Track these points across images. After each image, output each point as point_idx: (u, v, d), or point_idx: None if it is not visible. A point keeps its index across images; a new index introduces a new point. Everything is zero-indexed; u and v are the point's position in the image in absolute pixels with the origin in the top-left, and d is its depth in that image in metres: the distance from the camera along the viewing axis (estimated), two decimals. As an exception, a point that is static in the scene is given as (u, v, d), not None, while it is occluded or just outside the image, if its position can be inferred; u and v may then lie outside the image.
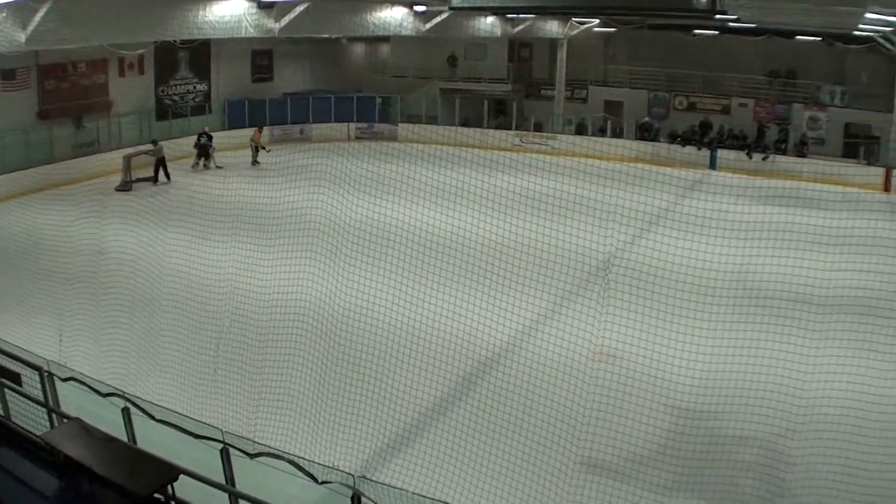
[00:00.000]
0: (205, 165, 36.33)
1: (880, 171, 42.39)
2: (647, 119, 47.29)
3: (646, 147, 43.98)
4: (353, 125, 45.79)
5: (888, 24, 38.00)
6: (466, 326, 14.90)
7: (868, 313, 16.38)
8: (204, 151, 36.51)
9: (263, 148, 37.91)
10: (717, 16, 12.07)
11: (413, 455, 12.53)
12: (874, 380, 13.85)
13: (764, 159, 43.31)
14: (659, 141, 44.87)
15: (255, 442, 9.92)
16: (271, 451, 9.51)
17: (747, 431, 13.24)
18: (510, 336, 16.51)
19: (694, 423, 13.78)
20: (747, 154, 43.99)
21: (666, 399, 13.95)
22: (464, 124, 46.30)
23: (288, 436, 12.12)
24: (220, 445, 9.34)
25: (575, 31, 47.92)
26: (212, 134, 37.46)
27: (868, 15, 34.02)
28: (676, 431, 13.63)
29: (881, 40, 44.00)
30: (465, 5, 8.27)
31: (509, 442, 12.36)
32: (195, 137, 37.06)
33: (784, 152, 44.66)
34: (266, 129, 41.43)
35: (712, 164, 44.05)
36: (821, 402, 13.36)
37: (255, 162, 37.24)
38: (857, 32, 43.61)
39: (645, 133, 45.82)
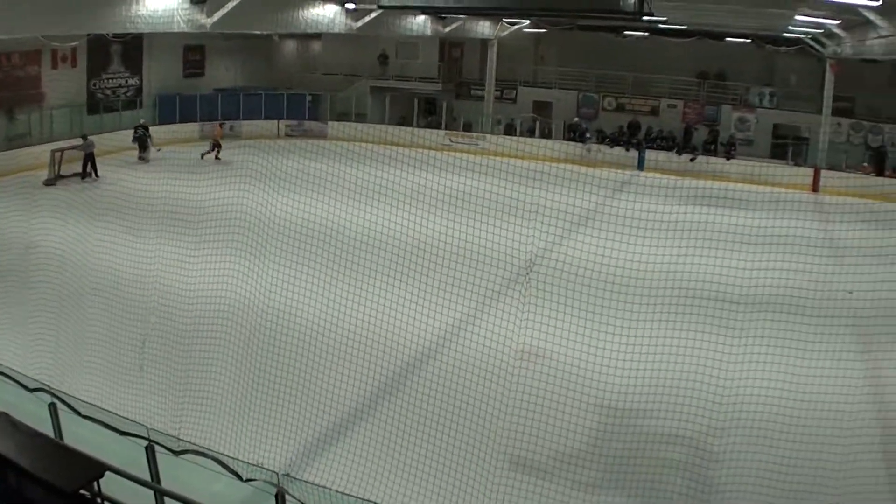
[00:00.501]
0: (141, 157, 36.55)
1: (809, 171, 43.52)
2: (575, 119, 47.97)
3: (574, 148, 44.71)
4: (282, 122, 46.04)
5: (817, 26, 38.98)
6: (393, 325, 15.15)
7: (793, 311, 16.89)
8: (142, 143, 36.81)
9: (219, 147, 37.88)
10: (646, 17, 12.41)
11: (338, 453, 12.72)
12: (797, 377, 14.38)
13: (692, 160, 44.23)
14: (584, 142, 45.50)
15: (180, 439, 10.09)
16: (196, 448, 9.69)
17: (674, 429, 13.60)
18: (437, 335, 16.77)
19: (620, 422, 14.16)
20: (676, 153, 44.96)
21: (592, 398, 14.22)
22: (400, 123, 46.70)
23: (213, 434, 12.26)
24: (146, 442, 9.51)
25: (505, 32, 48.56)
26: (148, 126, 37.72)
27: (798, 17, 34.91)
28: (603, 430, 13.96)
29: (810, 42, 45.13)
30: (395, 4, 8.45)
31: (435, 441, 12.55)
32: (130, 132, 37.33)
33: (712, 153, 45.65)
34: (208, 126, 41.62)
35: (640, 165, 44.89)
36: (746, 400, 13.86)
37: (216, 157, 37.18)
38: (786, 34, 44.70)
39: (573, 134, 46.46)
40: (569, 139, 46.29)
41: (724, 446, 13.19)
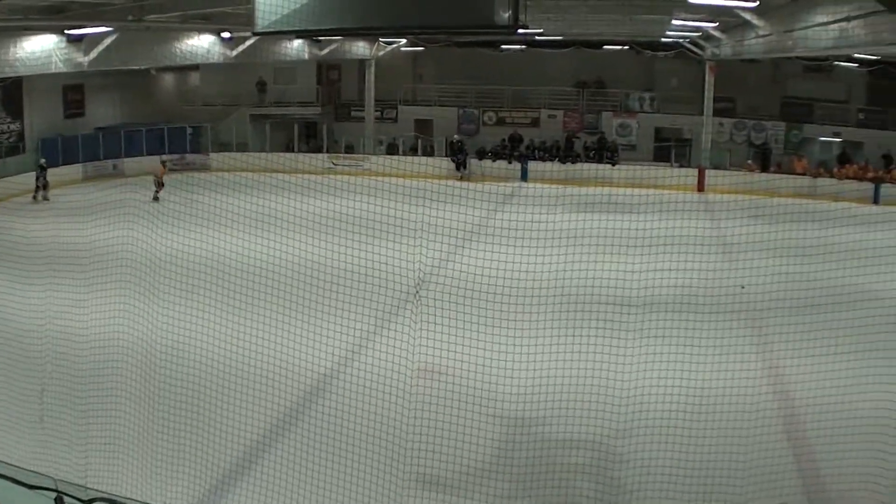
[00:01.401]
0: (44, 197, 37.00)
1: (694, 171, 45.03)
2: (455, 137, 48.77)
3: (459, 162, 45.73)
4: (164, 157, 45.30)
5: (695, 29, 40.36)
6: (290, 354, 15.45)
7: (687, 310, 17.67)
8: (44, 183, 37.23)
9: (162, 185, 37.72)
10: (521, 31, 12.96)
11: (246, 488, 13.00)
12: (697, 373, 15.02)
13: (573, 163, 45.69)
14: (461, 168, 46.66)
15: (88, 488, 10.29)
16: (105, 496, 9.91)
17: (578, 434, 14.06)
18: (334, 361, 17.02)
19: (524, 431, 14.68)
20: (559, 162, 46.14)
21: (494, 409, 14.73)
22: (283, 150, 47.33)
23: (121, 478, 12.41)
24: (55, 494, 9.70)
25: (382, 52, 49.38)
26: (46, 167, 37.98)
27: (674, 22, 36.17)
28: (508, 440, 14.49)
29: (689, 45, 46.72)
30: (269, 30, 8.78)
31: (341, 467, 12.82)
32: (17, 177, 37.75)
33: (595, 160, 46.91)
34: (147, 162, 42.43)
35: (523, 177, 45.89)
36: (647, 399, 14.47)
37: (155, 198, 36.55)
38: (664, 39, 46.25)
39: (455, 151, 47.25)
40: (451, 158, 47.17)
41: (629, 447, 13.77)
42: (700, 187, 45.53)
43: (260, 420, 14.72)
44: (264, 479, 12.95)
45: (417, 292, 15.99)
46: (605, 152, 47.90)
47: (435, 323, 15.31)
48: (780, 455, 14.14)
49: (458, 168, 46.08)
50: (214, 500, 12.96)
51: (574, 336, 15.36)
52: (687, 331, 16.05)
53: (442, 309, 16.02)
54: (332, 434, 13.87)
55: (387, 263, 15.75)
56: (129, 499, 9.86)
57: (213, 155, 47.05)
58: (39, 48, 28.46)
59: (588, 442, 14.18)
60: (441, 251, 17.63)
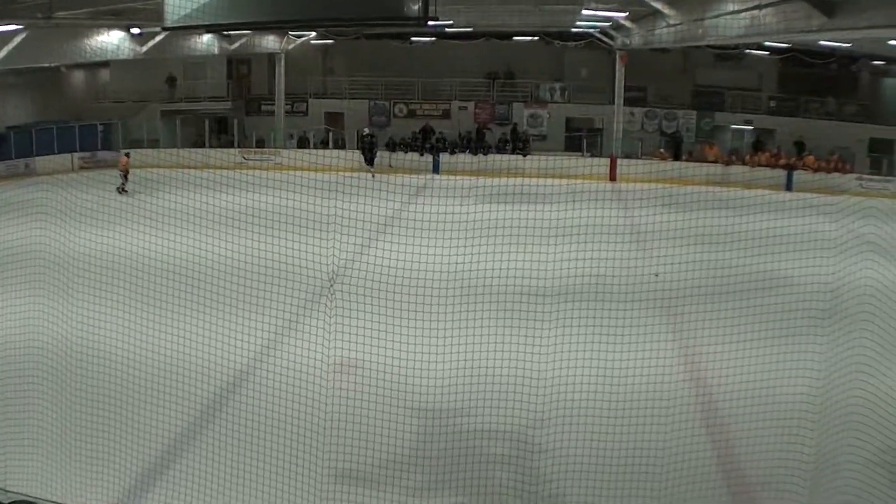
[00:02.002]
0: None
1: (605, 161, 45.70)
2: (366, 130, 48.93)
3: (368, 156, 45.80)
4: (76, 155, 45.76)
5: (605, 19, 40.98)
6: (206, 351, 15.49)
7: (600, 299, 18.05)
8: None
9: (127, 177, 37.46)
10: (431, 22, 13.06)
11: (166, 486, 13.09)
12: (613, 361, 15.38)
13: (485, 154, 46.11)
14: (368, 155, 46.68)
15: (7, 491, 10.32)
16: (25, 498, 9.96)
17: (496, 425, 14.42)
18: (249, 357, 17.23)
19: (441, 423, 14.90)
20: (471, 154, 46.54)
21: (410, 402, 14.90)
22: (194, 145, 47.03)
23: (41, 480, 12.36)
24: (-27, 498, 9.73)
25: (292, 45, 49.48)
26: None
27: (584, 12, 36.69)
28: (425, 433, 14.74)
29: (599, 35, 47.41)
30: (179, 25, 8.85)
31: (259, 464, 12.97)
32: None
33: (507, 151, 47.41)
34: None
35: (435, 169, 46.22)
36: (564, 388, 14.69)
37: (122, 189, 36.31)
38: (574, 29, 46.84)
39: (364, 144, 47.35)
40: (361, 149, 47.53)
41: (546, 436, 14.05)
42: (612, 176, 46.30)
43: (177, 418, 14.75)
44: (183, 477, 13.00)
45: (331, 286, 16.15)
46: (517, 143, 48.39)
47: (350, 317, 15.49)
48: (697, 441, 14.43)
49: (367, 162, 45.93)
50: (134, 499, 13.01)
51: (490, 326, 15.61)
52: (602, 319, 16.39)
53: (356, 302, 16.20)
54: (249, 431, 14.01)
55: (300, 258, 15.87)
56: (49, 501, 9.97)
57: (124, 152, 46.19)
58: (-51, 48, 28.10)
59: (505, 432, 14.50)
60: (354, 244, 17.82)
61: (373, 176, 42.42)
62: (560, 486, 13.13)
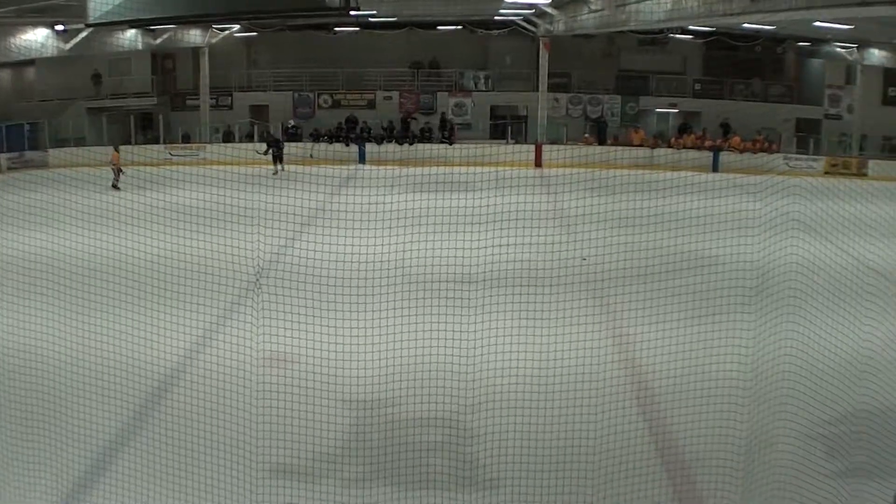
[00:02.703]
0: None
1: (530, 147, 46.09)
2: (291, 122, 48.95)
3: (293, 149, 45.82)
4: (4, 156, 45.11)
5: (528, 6, 41.34)
6: (136, 351, 15.51)
7: (529, 284, 18.28)
8: None
9: (121, 171, 37.27)
10: (354, 12, 13.12)
11: (104, 487, 13.06)
12: (543, 346, 15.45)
13: (410, 143, 46.30)
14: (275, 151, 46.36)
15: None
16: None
17: (429, 413, 14.49)
18: (180, 355, 17.23)
19: (375, 413, 15.02)
20: (397, 143, 46.72)
21: (343, 394, 15.00)
22: (121, 142, 46.17)
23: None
24: None
25: (216, 39, 49.57)
26: None
27: (507, 0, 36.99)
28: (359, 424, 14.87)
29: (522, 23, 47.80)
30: (103, 21, 8.86)
31: (195, 462, 12.98)
32: None
33: (432, 140, 47.68)
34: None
35: (361, 159, 46.35)
36: (495, 374, 14.95)
37: (115, 186, 35.83)
38: (497, 17, 47.21)
39: (270, 139, 47.04)
40: (288, 141, 47.32)
41: (480, 422, 14.20)
42: (537, 163, 46.73)
43: (111, 419, 14.70)
44: (120, 478, 13.01)
45: (258, 280, 16.20)
46: (442, 132, 48.67)
47: (279, 311, 15.53)
48: (631, 422, 14.82)
49: (274, 161, 44.53)
50: (72, 502, 13.00)
51: (419, 315, 15.76)
52: (531, 304, 16.62)
53: (285, 296, 16.24)
54: (183, 429, 14.00)
55: (226, 253, 15.93)
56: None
57: (51, 151, 46.41)
58: None
59: (439, 420, 14.62)
60: (281, 238, 17.87)
61: (275, 173, 41.88)
62: (495, 471, 13.32)
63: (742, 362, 14.51)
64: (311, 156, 45.34)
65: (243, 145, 47.06)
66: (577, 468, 13.09)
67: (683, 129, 51.02)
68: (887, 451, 11.77)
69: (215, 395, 14.62)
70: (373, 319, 15.44)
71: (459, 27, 51.84)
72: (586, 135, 50.39)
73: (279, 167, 43.38)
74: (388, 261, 17.08)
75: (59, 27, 36.92)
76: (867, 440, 13.14)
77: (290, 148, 45.30)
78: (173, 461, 13.01)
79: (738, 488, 12.56)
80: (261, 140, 47.56)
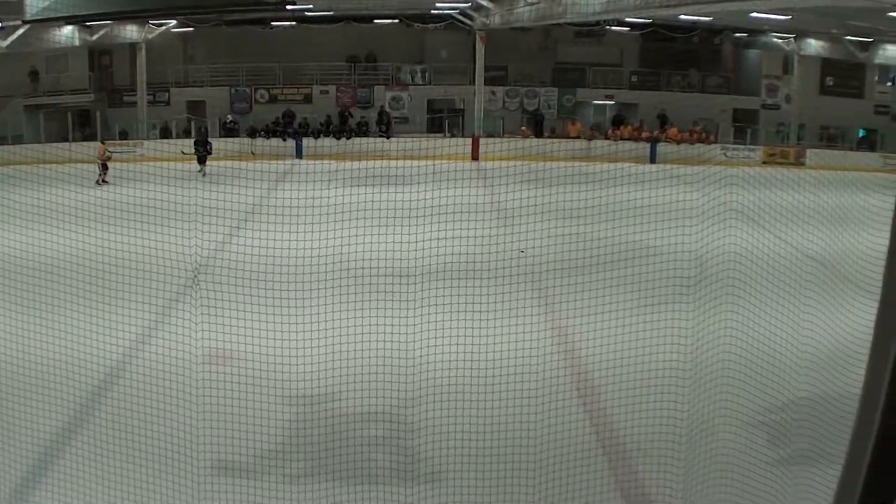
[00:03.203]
0: None
1: (467, 140, 46.26)
2: (229, 117, 48.82)
3: (230, 144, 45.70)
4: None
5: (464, 0, 41.44)
6: (73, 350, 15.32)
7: (467, 277, 18.36)
8: None
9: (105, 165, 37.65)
10: (290, 6, 13.05)
11: (45, 490, 12.98)
12: (483, 338, 15.51)
13: (348, 138, 46.34)
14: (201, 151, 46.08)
15: None
16: None
17: (370, 407, 14.52)
18: (119, 355, 16.95)
19: (316, 409, 14.98)
20: (334, 138, 46.74)
21: (283, 390, 14.97)
22: (60, 140, 46.17)
23: None
24: None
25: (153, 34, 49.21)
26: None
27: (444, -7, 37.13)
28: (300, 419, 14.84)
29: (459, 17, 47.95)
30: (40, 17, 8.81)
31: (138, 461, 13.00)
32: None
33: (368, 134, 47.77)
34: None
35: (298, 153, 46.31)
36: (435, 367, 14.98)
37: (103, 181, 36.27)
38: (434, 11, 47.34)
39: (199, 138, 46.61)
40: (225, 137, 47.17)
41: (421, 416, 14.23)
42: (474, 156, 46.87)
43: (51, 421, 14.51)
44: (62, 479, 12.89)
45: (196, 278, 16.15)
46: (380, 126, 48.76)
47: (218, 307, 15.50)
48: (572, 413, 14.85)
49: (199, 162, 43.01)
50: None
51: (359, 310, 15.82)
52: (470, 297, 16.63)
53: (224, 293, 16.21)
54: (125, 428, 13.94)
55: (164, 250, 15.86)
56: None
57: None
58: None
59: (380, 414, 14.68)
60: (219, 234, 17.81)
61: (203, 175, 40.36)
62: (438, 465, 13.36)
63: (682, 352, 14.62)
64: (252, 152, 45.20)
65: (181, 141, 46.78)
66: (518, 461, 13.15)
67: (619, 121, 51.41)
68: (829, 437, 11.93)
69: (156, 393, 14.54)
70: (312, 315, 15.43)
71: (396, 21, 51.96)
72: (523, 127, 50.68)
73: (204, 168, 41.85)
74: (327, 255, 17.08)
75: (-5, 24, 36.73)
76: (809, 427, 13.31)
77: (227, 144, 45.11)
78: (115, 460, 12.95)
79: (680, 477, 12.69)
80: (198, 136, 47.24)
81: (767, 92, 53.31)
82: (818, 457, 12.28)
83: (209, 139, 44.89)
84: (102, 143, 41.38)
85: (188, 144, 44.58)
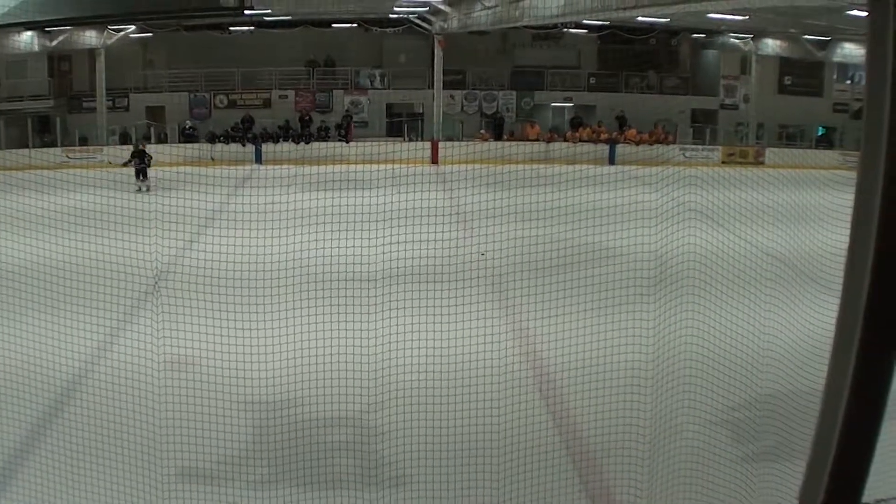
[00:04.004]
0: None
1: (427, 144, 46.34)
2: (188, 122, 48.75)
3: (190, 150, 45.84)
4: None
5: (423, 4, 41.51)
6: (34, 357, 15.26)
7: (428, 280, 18.35)
8: None
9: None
10: (248, 11, 12.96)
11: (7, 497, 12.90)
12: (445, 341, 15.52)
13: (307, 142, 46.43)
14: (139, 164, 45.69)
15: None
16: None
17: (333, 412, 14.44)
18: (80, 362, 16.70)
19: (279, 414, 14.92)
20: (294, 142, 46.76)
21: (246, 395, 15.04)
22: (18, 146, 45.62)
23: None
24: None
25: (112, 40, 48.84)
26: None
27: (401, -2, 37.17)
28: (263, 425, 14.78)
29: (417, 21, 48.04)
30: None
31: (100, 469, 12.75)
32: None
33: (328, 139, 47.82)
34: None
35: (258, 159, 46.26)
36: (397, 372, 15.00)
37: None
38: (392, 16, 47.38)
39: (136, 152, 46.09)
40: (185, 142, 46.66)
41: (384, 420, 14.27)
42: (434, 160, 46.93)
43: (10, 428, 14.46)
44: (24, 487, 12.83)
45: (156, 284, 16.09)
46: (339, 130, 48.79)
47: (178, 314, 15.45)
48: (536, 415, 14.91)
49: (137, 176, 39.47)
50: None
51: (320, 314, 15.75)
52: (431, 300, 16.64)
53: (184, 299, 16.15)
54: (86, 435, 13.82)
55: (124, 257, 15.78)
56: None
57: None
58: None
59: (343, 419, 14.64)
60: (179, 240, 17.75)
61: (147, 190, 36.87)
62: (402, 468, 13.36)
63: (644, 352, 14.68)
64: (212, 158, 45.09)
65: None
66: (483, 463, 13.17)
67: (575, 123, 51.66)
68: (792, 433, 12.02)
69: (117, 400, 14.48)
70: (274, 320, 15.40)
71: (354, 25, 52.00)
72: (482, 131, 50.83)
73: (141, 182, 38.47)
74: (288, 261, 17.06)
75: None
76: (772, 424, 13.41)
77: (187, 150, 45.02)
78: (77, 468, 12.80)
79: (645, 476, 12.74)
80: (135, 148, 46.95)
81: (726, 92, 53.73)
82: (783, 453, 12.37)
83: (146, 151, 42.04)
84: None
85: (121, 154, 44.21)
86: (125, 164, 41.13)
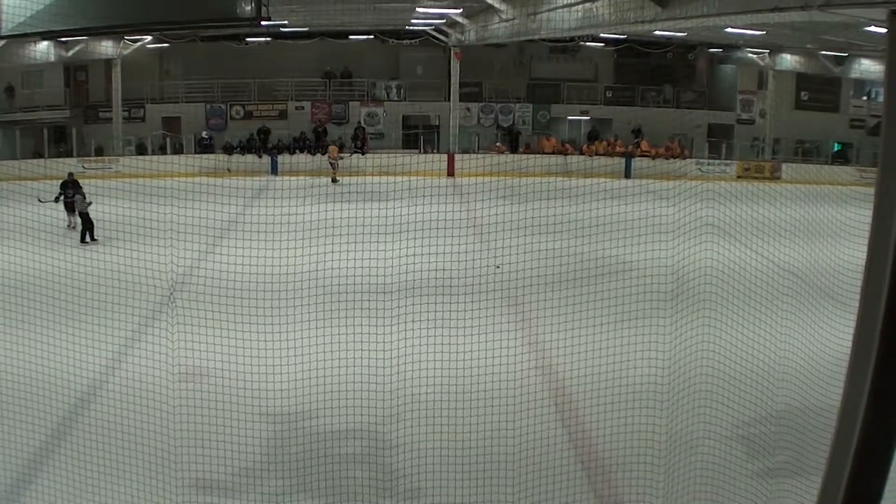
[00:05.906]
0: None
1: (442, 156, 46.34)
2: (204, 133, 48.82)
3: (206, 161, 45.89)
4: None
5: (439, 16, 41.56)
6: (51, 368, 15.24)
7: (444, 293, 18.36)
8: None
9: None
10: (265, 22, 13.01)
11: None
12: (459, 354, 15.53)
13: (323, 154, 46.63)
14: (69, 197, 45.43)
15: None
16: None
17: (348, 424, 14.48)
18: (96, 372, 16.80)
19: (294, 426, 14.97)
20: (310, 154, 46.88)
21: (261, 407, 15.07)
22: (34, 156, 45.84)
23: None
24: None
25: (129, 50, 48.98)
26: None
27: (419, 10, 37.18)
28: (278, 437, 14.79)
29: (433, 33, 48.05)
30: (16, 33, 8.85)
31: (114, 479, 12.84)
32: None
33: (346, 151, 47.88)
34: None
35: (273, 170, 46.30)
36: (413, 383, 14.95)
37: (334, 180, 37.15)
38: (409, 27, 47.43)
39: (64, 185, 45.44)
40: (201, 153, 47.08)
41: (399, 432, 14.26)
42: (450, 172, 46.89)
43: (28, 438, 14.45)
44: (39, 497, 12.86)
45: (171, 294, 16.11)
46: (355, 142, 48.84)
47: (194, 325, 15.46)
48: (550, 428, 14.89)
49: (67, 210, 30.44)
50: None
51: (336, 326, 15.80)
52: (447, 313, 16.65)
53: (200, 310, 16.18)
54: (102, 446, 13.84)
55: (141, 267, 15.81)
56: None
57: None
58: None
59: (359, 431, 14.67)
60: (195, 251, 17.78)
61: (70, 225, 29.42)
62: (417, 481, 13.33)
63: (660, 366, 14.66)
64: (229, 169, 45.18)
65: (157, 157, 46.67)
66: (497, 476, 13.17)
67: (592, 136, 51.63)
68: (808, 449, 12.00)
69: (133, 411, 14.50)
70: (289, 331, 15.41)
71: (371, 37, 52.01)
72: (498, 143, 50.79)
73: (71, 219, 29.65)
74: (303, 272, 17.08)
75: (-28, 40, 36.64)
76: (787, 440, 13.38)
77: (203, 161, 45.22)
78: (93, 478, 12.84)
79: (660, 491, 12.72)
80: (174, 152, 47.02)
81: (742, 107, 53.61)
82: (798, 469, 12.35)
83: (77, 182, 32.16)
84: (334, 144, 43.70)
85: (165, 160, 44.35)
86: (56, 200, 30.14)
